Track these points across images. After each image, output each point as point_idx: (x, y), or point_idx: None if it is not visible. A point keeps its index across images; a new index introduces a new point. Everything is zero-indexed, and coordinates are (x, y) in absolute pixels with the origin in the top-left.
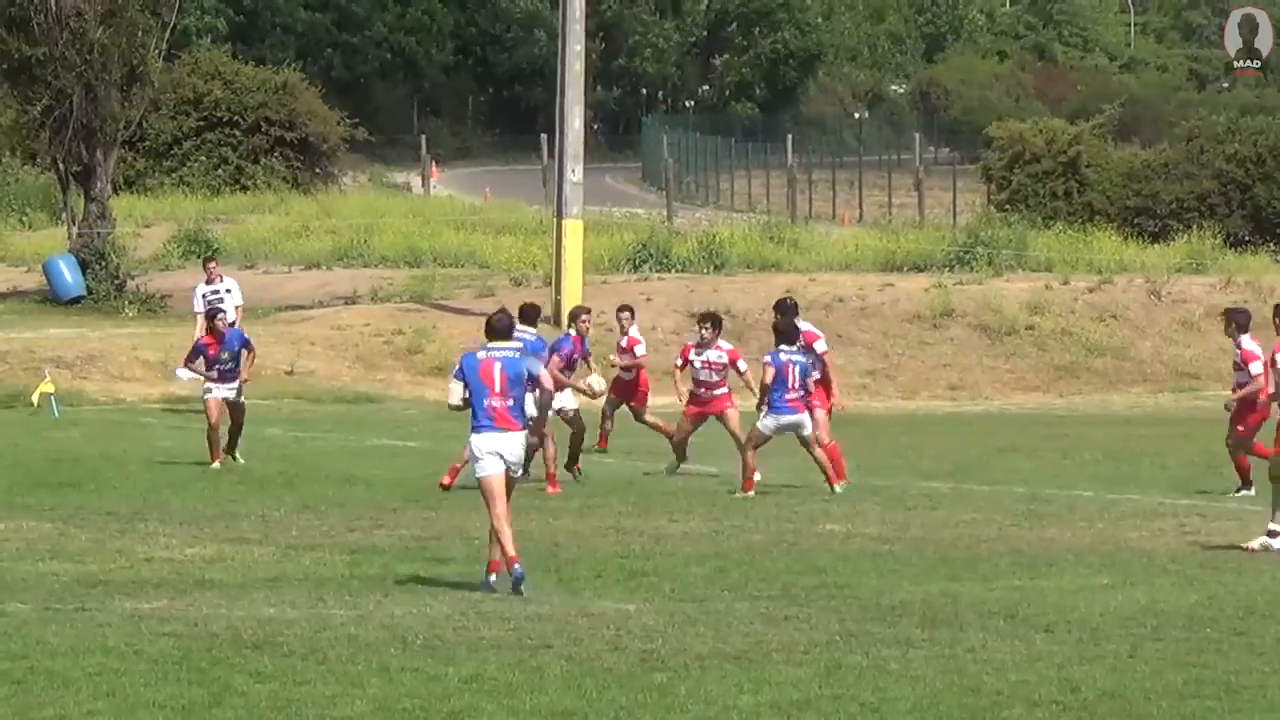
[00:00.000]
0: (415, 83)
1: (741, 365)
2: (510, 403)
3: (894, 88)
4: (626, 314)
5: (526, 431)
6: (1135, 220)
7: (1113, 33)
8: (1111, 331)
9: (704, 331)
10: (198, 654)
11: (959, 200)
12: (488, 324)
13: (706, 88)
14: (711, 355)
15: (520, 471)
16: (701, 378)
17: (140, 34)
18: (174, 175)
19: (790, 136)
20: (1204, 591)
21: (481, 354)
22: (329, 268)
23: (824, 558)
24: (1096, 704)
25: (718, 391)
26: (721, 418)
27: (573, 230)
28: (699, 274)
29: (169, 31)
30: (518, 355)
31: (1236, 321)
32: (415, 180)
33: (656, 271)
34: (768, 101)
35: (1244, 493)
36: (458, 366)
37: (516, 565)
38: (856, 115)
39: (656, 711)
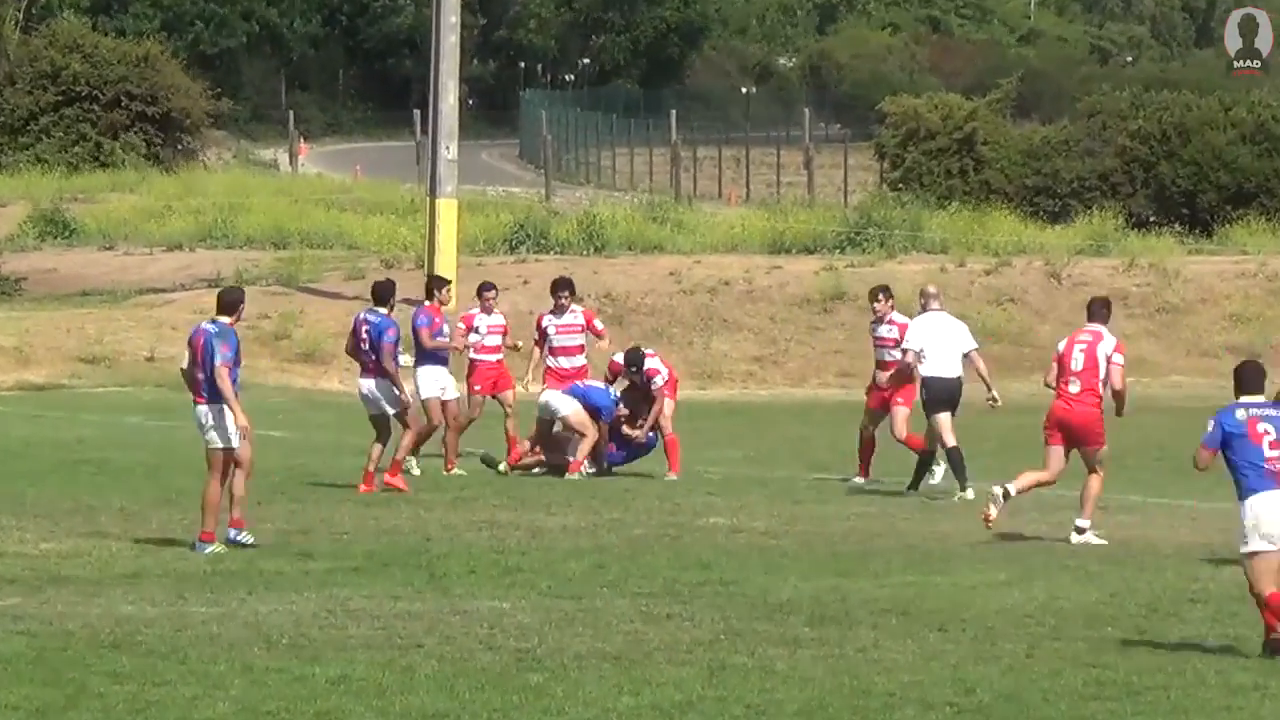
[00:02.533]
0: (282, 56)
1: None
2: (202, 376)
3: (784, 61)
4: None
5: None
6: (1034, 200)
7: (1011, 5)
8: (1009, 316)
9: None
10: (52, 654)
11: (850, 179)
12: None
13: (587, 61)
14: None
15: (231, 443)
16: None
17: None
18: (30, 152)
19: (674, 112)
20: (1105, 588)
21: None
22: (192, 249)
23: (708, 553)
24: (992, 706)
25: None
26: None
27: (446, 210)
28: (578, 255)
29: (27, 2)
30: (216, 330)
31: (891, 297)
32: (282, 157)
33: (534, 253)
34: (651, 76)
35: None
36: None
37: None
38: (744, 90)
39: (532, 714)
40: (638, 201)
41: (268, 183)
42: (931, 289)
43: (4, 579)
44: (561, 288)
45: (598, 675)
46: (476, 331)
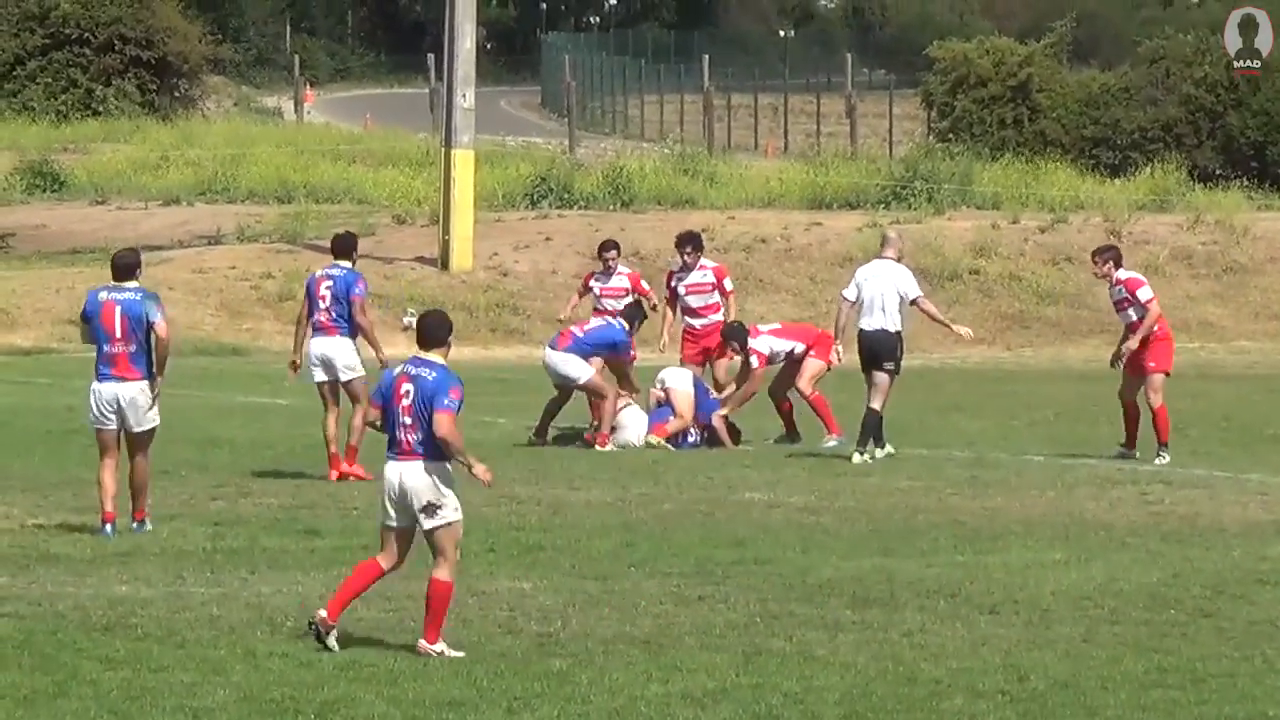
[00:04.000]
0: None
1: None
2: (133, 349)
3: (824, 2)
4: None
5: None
6: (1093, 152)
7: None
8: (1066, 276)
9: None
10: (41, 637)
11: (896, 129)
12: (111, 263)
13: (615, 2)
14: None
15: (140, 427)
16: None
17: None
18: (16, 100)
19: (707, 57)
20: (1167, 569)
21: (102, 294)
22: (190, 203)
23: (743, 530)
24: (1047, 694)
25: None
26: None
27: (463, 162)
28: (604, 211)
29: None
30: (138, 298)
31: (1113, 258)
32: (287, 105)
33: (557, 208)
34: (682, 18)
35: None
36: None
37: (109, 525)
38: (782, 33)
39: (555, 702)
40: (668, 153)
41: (271, 132)
42: (891, 233)
43: None
44: (608, 248)
45: (625, 661)
46: (593, 293)
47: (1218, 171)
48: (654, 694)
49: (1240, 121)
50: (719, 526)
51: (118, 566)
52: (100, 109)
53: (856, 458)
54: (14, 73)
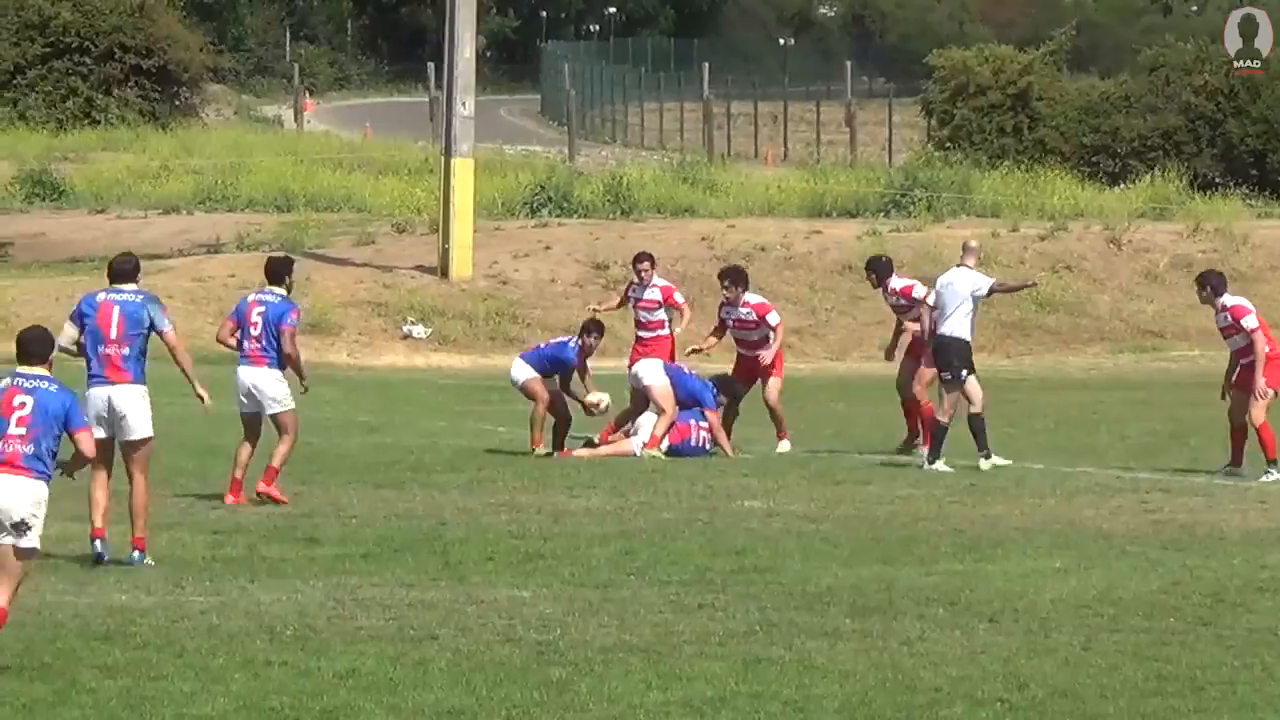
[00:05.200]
0: (286, 4)
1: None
2: (126, 352)
3: (824, 10)
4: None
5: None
6: (1092, 160)
7: None
8: (1066, 285)
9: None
10: (40, 646)
11: (895, 137)
12: (109, 267)
13: (613, 10)
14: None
15: (130, 435)
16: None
17: None
18: (15, 108)
19: (707, 65)
20: (1167, 577)
21: (100, 295)
22: (190, 212)
23: (742, 538)
24: (1046, 702)
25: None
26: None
27: (462, 170)
28: (604, 219)
29: None
30: (138, 300)
31: (1212, 284)
32: (287, 114)
33: (556, 216)
34: (682, 27)
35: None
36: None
37: (97, 541)
38: (782, 42)
39: (554, 710)
40: (667, 161)
41: (271, 141)
42: (972, 243)
43: None
44: (641, 260)
45: (624, 669)
46: (629, 304)
47: (1217, 179)
48: (653, 702)
49: (1240, 129)
50: (718, 535)
51: (117, 575)
52: (100, 118)
53: (984, 463)
54: (14, 81)
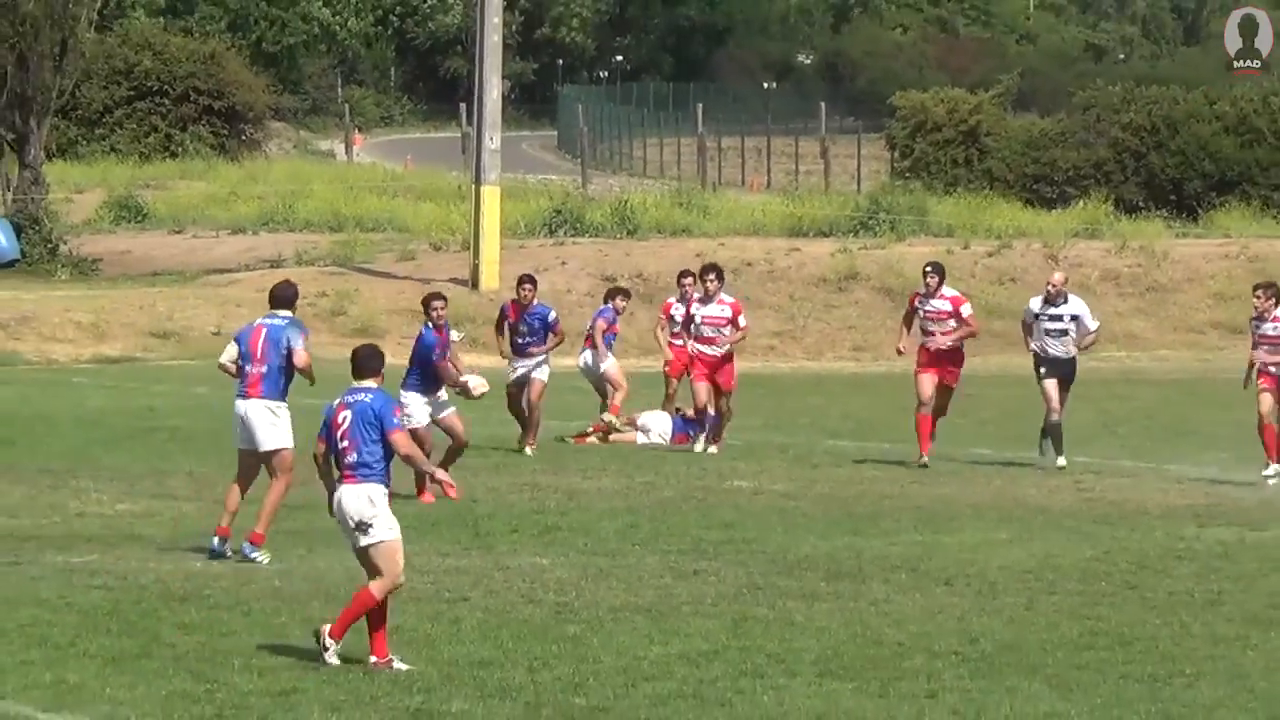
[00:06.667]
0: (338, 53)
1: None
2: (264, 370)
3: (802, 58)
4: (712, 277)
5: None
6: (1033, 187)
7: (1013, 6)
8: (1010, 294)
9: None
10: (127, 606)
11: (863, 168)
12: (270, 293)
13: (620, 58)
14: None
15: (262, 446)
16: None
17: (70, 5)
18: (105, 143)
19: (700, 106)
20: (1098, 547)
21: (258, 321)
22: (255, 232)
23: (732, 513)
24: (995, 655)
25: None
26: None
27: (490, 196)
28: (612, 238)
29: (101, 3)
30: (283, 323)
31: (1275, 295)
32: (339, 148)
33: (571, 236)
34: (679, 72)
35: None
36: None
37: (217, 539)
38: (766, 85)
39: (570, 662)
40: (667, 188)
41: (325, 171)
42: (1059, 275)
43: (83, 537)
44: (708, 272)
45: (630, 627)
46: (674, 321)
47: (1141, 204)
48: (655, 655)
49: (1160, 161)
50: (711, 511)
51: (193, 546)
52: (177, 151)
53: (1061, 461)
54: (104, 120)
